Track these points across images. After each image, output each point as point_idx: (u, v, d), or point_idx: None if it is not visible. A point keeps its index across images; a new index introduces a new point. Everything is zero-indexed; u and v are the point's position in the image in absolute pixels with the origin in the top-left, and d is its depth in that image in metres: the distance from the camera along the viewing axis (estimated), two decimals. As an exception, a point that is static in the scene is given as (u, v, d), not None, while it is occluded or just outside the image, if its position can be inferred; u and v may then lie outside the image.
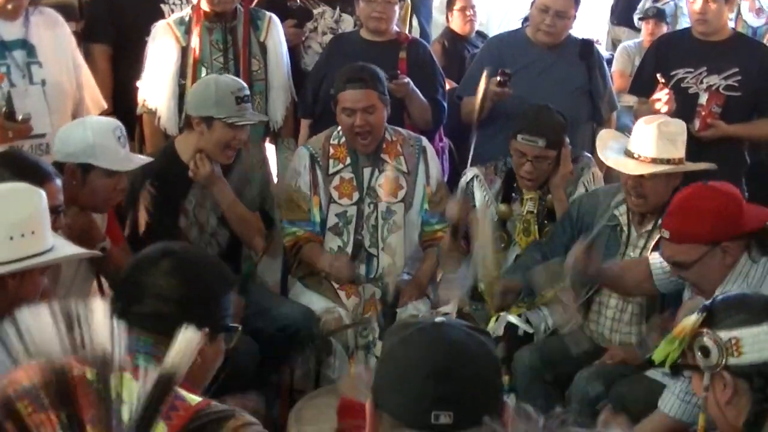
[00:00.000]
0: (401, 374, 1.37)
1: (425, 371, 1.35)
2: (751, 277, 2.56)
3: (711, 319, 1.88)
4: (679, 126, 3.21)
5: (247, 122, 3.46)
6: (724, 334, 1.84)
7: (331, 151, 3.71)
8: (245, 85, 3.54)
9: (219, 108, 3.40)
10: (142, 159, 3.30)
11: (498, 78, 3.81)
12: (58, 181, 2.69)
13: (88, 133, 3.04)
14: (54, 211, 2.45)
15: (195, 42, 3.83)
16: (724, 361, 1.84)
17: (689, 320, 1.90)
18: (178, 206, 3.50)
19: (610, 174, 3.86)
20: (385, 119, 3.67)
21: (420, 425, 1.33)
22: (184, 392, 1.67)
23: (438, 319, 1.43)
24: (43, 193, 2.28)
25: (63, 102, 3.56)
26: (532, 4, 4.10)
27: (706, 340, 1.86)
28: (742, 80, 3.92)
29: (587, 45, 4.19)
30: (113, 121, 3.19)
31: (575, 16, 4.09)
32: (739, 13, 6.36)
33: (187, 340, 1.20)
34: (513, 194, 3.64)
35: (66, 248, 2.35)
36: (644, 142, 3.13)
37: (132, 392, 1.60)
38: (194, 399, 1.67)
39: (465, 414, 1.33)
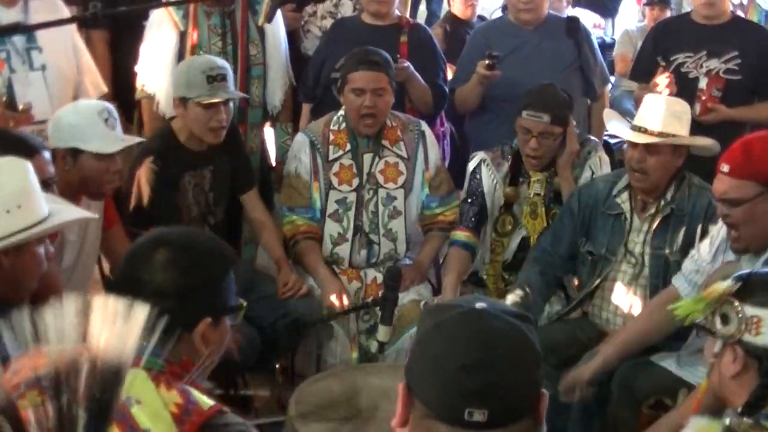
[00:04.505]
0: (434, 363, 1.28)
1: (459, 362, 1.25)
2: None
3: (743, 291, 1.87)
4: (685, 106, 3.24)
5: (214, 100, 3.38)
6: (749, 309, 1.84)
7: (331, 137, 3.69)
8: (222, 63, 3.49)
9: (190, 88, 3.39)
10: (132, 140, 3.27)
11: (486, 61, 3.81)
12: (47, 153, 2.69)
13: (74, 116, 3.03)
14: (45, 183, 2.45)
15: (193, 27, 3.80)
16: (740, 335, 1.84)
17: (721, 285, 1.89)
18: (177, 185, 3.49)
19: (613, 161, 3.86)
20: (390, 105, 3.66)
21: (452, 421, 1.24)
22: (197, 395, 1.65)
23: (479, 305, 1.31)
24: (29, 165, 2.26)
25: (64, 87, 3.54)
26: None
27: (730, 310, 1.86)
28: (742, 63, 3.92)
29: (573, 21, 4.18)
30: (100, 103, 3.17)
31: None
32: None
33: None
34: (520, 177, 3.63)
35: (65, 214, 2.33)
36: (652, 116, 3.15)
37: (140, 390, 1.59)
38: (207, 403, 1.64)
39: (500, 411, 1.24)
